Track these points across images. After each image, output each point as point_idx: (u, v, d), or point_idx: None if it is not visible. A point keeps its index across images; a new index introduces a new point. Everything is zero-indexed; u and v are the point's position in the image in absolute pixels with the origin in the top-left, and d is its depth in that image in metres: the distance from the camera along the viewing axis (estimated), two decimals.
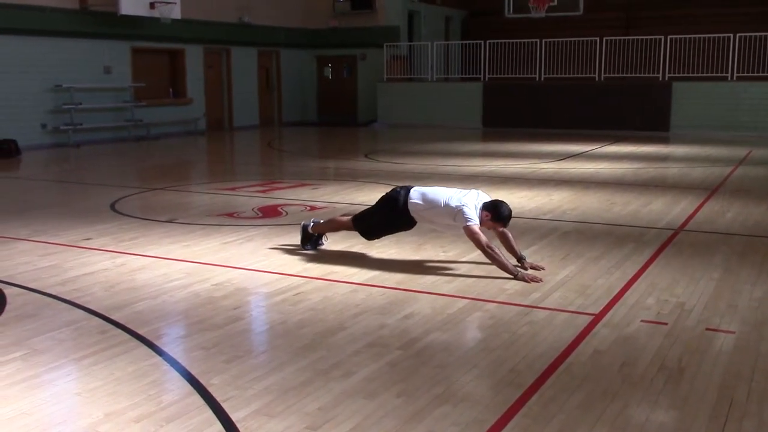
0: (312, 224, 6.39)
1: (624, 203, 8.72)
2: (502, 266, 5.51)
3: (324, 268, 5.80)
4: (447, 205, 5.65)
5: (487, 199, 5.76)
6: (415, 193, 5.87)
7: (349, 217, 6.30)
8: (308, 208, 8.42)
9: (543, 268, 5.74)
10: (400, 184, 6.31)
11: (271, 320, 4.67)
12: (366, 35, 22.66)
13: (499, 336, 4.29)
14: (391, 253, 6.31)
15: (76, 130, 16.29)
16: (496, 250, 5.54)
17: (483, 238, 5.51)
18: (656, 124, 18.94)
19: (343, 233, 6.89)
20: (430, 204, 5.76)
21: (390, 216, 6.00)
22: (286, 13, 22.56)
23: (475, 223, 5.53)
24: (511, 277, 5.43)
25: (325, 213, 7.95)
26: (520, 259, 5.75)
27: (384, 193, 6.23)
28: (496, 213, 5.60)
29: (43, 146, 15.69)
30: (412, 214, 5.86)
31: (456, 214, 5.60)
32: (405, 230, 6.17)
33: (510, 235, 5.83)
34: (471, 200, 5.66)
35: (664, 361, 3.92)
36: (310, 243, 6.39)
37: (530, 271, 5.60)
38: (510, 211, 5.69)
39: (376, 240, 6.35)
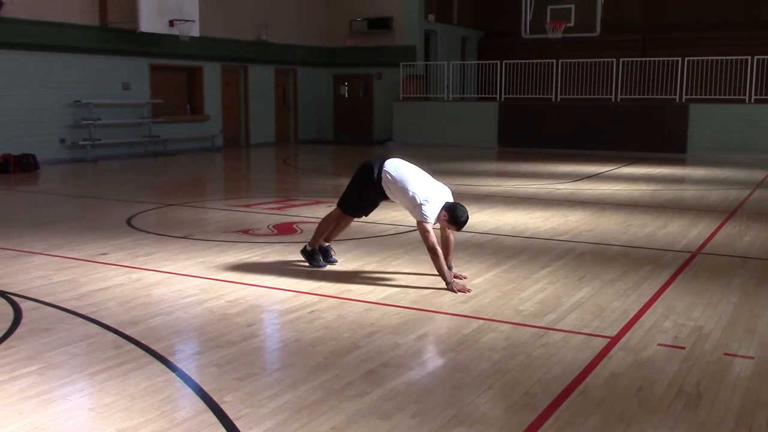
0: (307, 243, 6.44)
1: (640, 225, 8.67)
2: (440, 271, 5.70)
3: (338, 287, 5.78)
4: (414, 195, 5.74)
5: (451, 200, 5.87)
6: (391, 166, 5.94)
7: (334, 208, 6.35)
8: None
9: (466, 277, 5.95)
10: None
11: (285, 338, 4.66)
12: (382, 54, 22.78)
13: (514, 357, 4.26)
14: (406, 272, 6.29)
15: (94, 145, 16.43)
16: (441, 259, 5.68)
17: (432, 237, 5.66)
18: (673, 145, 18.86)
19: (354, 252, 6.90)
20: (401, 183, 5.83)
21: (366, 186, 6.05)
22: (303, 32, 22.72)
23: (429, 221, 5.68)
24: (444, 285, 5.67)
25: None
26: (448, 267, 5.92)
27: (360, 165, 6.26)
28: (452, 216, 5.74)
29: (61, 161, 15.82)
30: (383, 184, 5.92)
31: (416, 207, 5.71)
32: (383, 199, 6.17)
33: (452, 243, 6.00)
34: (437, 198, 5.77)
35: (681, 385, 3.87)
36: (319, 259, 6.39)
37: (455, 281, 5.78)
38: (467, 217, 5.80)
39: (365, 219, 6.44)
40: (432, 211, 5.68)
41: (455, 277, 5.90)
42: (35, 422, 3.38)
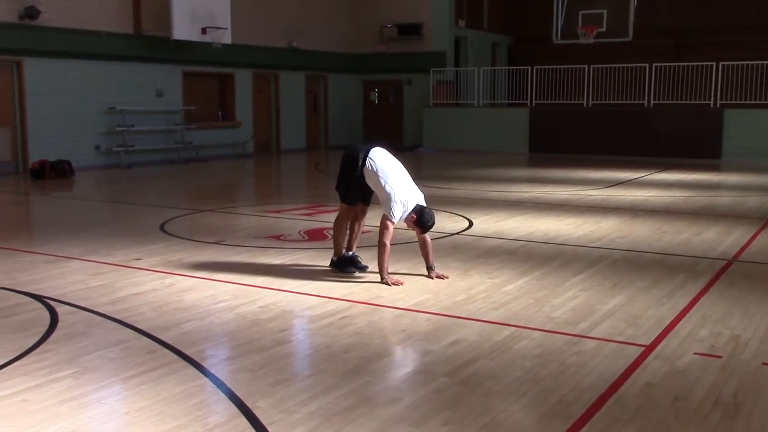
0: (333, 256, 6.54)
1: (675, 232, 8.56)
2: (380, 266, 6.02)
3: (369, 293, 5.79)
4: (391, 192, 5.95)
5: (423, 204, 6.05)
6: (375, 156, 6.12)
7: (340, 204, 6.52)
8: None
9: (447, 277, 6.18)
10: (361, 145, 6.42)
11: (316, 344, 4.67)
12: (413, 60, 22.78)
13: (547, 365, 4.22)
14: (437, 278, 6.27)
15: (127, 151, 16.64)
16: (386, 255, 5.98)
17: (388, 234, 5.94)
18: (707, 151, 18.60)
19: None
20: (381, 176, 6.03)
21: (353, 174, 6.18)
22: (333, 39, 22.81)
23: (393, 220, 5.95)
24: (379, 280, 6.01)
25: (366, 238, 7.91)
26: (429, 268, 6.23)
27: (344, 153, 6.43)
28: (420, 219, 6.01)
29: (95, 167, 16.03)
30: (365, 171, 6.11)
31: (386, 202, 5.93)
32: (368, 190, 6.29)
33: (429, 244, 6.25)
34: (410, 200, 5.97)
35: (719, 396, 3.80)
36: (349, 266, 6.41)
37: (435, 280, 6.11)
38: (433, 223, 6.08)
39: (357, 204, 6.48)
40: (399, 212, 5.93)
41: (438, 277, 6.16)
42: (71, 425, 3.42)
